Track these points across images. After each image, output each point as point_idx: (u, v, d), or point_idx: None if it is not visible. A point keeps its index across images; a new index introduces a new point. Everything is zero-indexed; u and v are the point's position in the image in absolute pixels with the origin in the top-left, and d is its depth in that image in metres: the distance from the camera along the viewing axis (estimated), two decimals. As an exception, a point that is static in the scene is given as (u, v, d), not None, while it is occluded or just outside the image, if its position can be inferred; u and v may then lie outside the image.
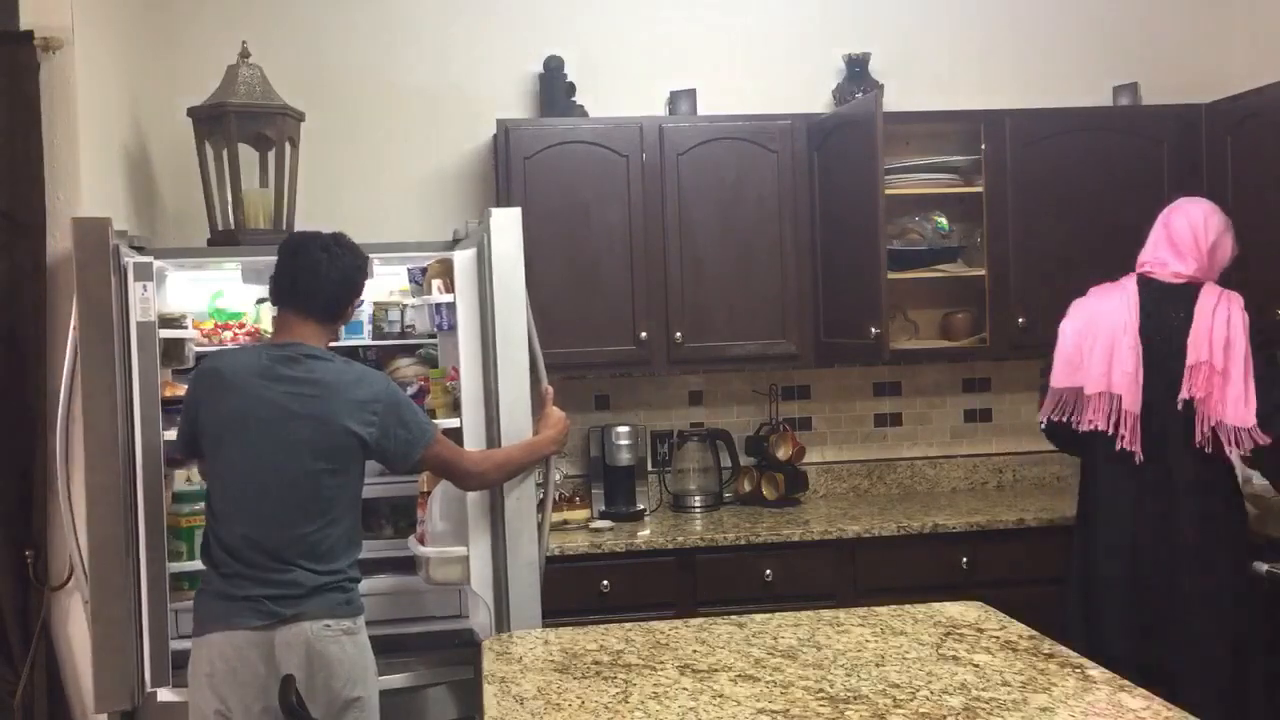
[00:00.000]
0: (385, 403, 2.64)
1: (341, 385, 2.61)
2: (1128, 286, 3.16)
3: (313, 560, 2.57)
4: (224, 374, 2.65)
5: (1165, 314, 3.08)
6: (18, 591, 2.91)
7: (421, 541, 3.05)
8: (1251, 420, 2.91)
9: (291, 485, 2.58)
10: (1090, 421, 3.08)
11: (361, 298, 2.80)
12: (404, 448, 2.67)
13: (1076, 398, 3.14)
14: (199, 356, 3.29)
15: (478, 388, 3.01)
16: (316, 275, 2.65)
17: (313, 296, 2.66)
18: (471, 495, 2.95)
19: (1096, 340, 3.11)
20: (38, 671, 2.91)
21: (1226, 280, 3.18)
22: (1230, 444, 2.96)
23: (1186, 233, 3.15)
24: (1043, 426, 3.30)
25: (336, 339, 2.82)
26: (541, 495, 3.12)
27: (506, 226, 3.03)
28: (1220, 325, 3.02)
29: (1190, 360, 3.00)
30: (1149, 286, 3.14)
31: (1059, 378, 3.18)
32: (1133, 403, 3.03)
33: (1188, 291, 3.11)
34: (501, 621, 2.98)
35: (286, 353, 2.63)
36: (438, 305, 3.11)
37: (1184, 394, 3.00)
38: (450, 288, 3.03)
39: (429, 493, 3.08)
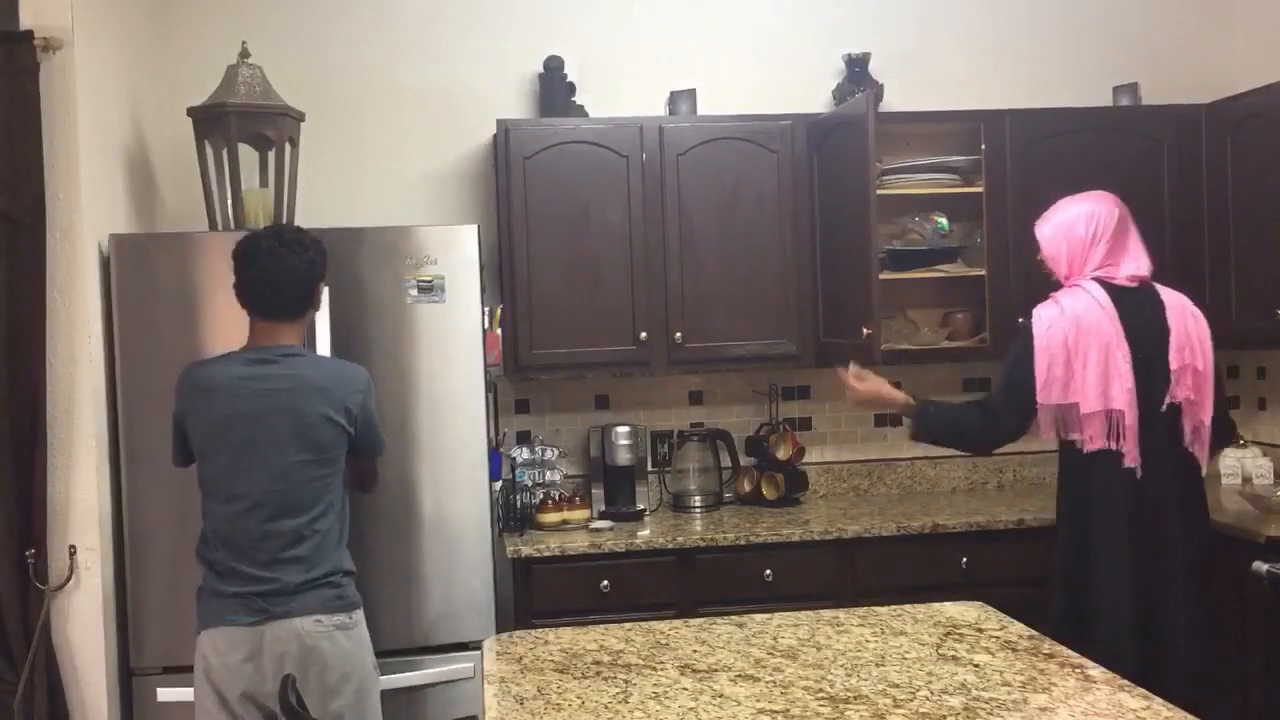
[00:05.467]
0: (366, 393, 2.75)
1: (318, 377, 2.69)
2: (1095, 293, 3.05)
3: (303, 555, 2.63)
4: (204, 380, 2.70)
5: (1134, 319, 3.03)
6: (18, 591, 2.90)
7: None
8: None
9: (279, 479, 2.63)
10: (1091, 440, 2.99)
11: (321, 284, 2.79)
12: (368, 449, 2.82)
13: (1069, 414, 3.01)
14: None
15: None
16: (268, 279, 2.68)
17: (270, 301, 2.70)
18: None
19: (1089, 354, 2.99)
20: (38, 671, 2.91)
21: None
22: (1208, 443, 3.03)
23: (1123, 232, 3.11)
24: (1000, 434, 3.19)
25: (308, 330, 2.86)
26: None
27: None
28: (1191, 325, 3.06)
29: (1175, 365, 3.01)
30: (1111, 291, 3.06)
31: (1050, 393, 3.02)
32: (1134, 418, 2.98)
33: (1147, 293, 3.09)
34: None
35: (261, 355, 2.69)
36: None
37: (1171, 398, 3.01)
38: None
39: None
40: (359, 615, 2.71)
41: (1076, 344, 3.00)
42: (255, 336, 2.73)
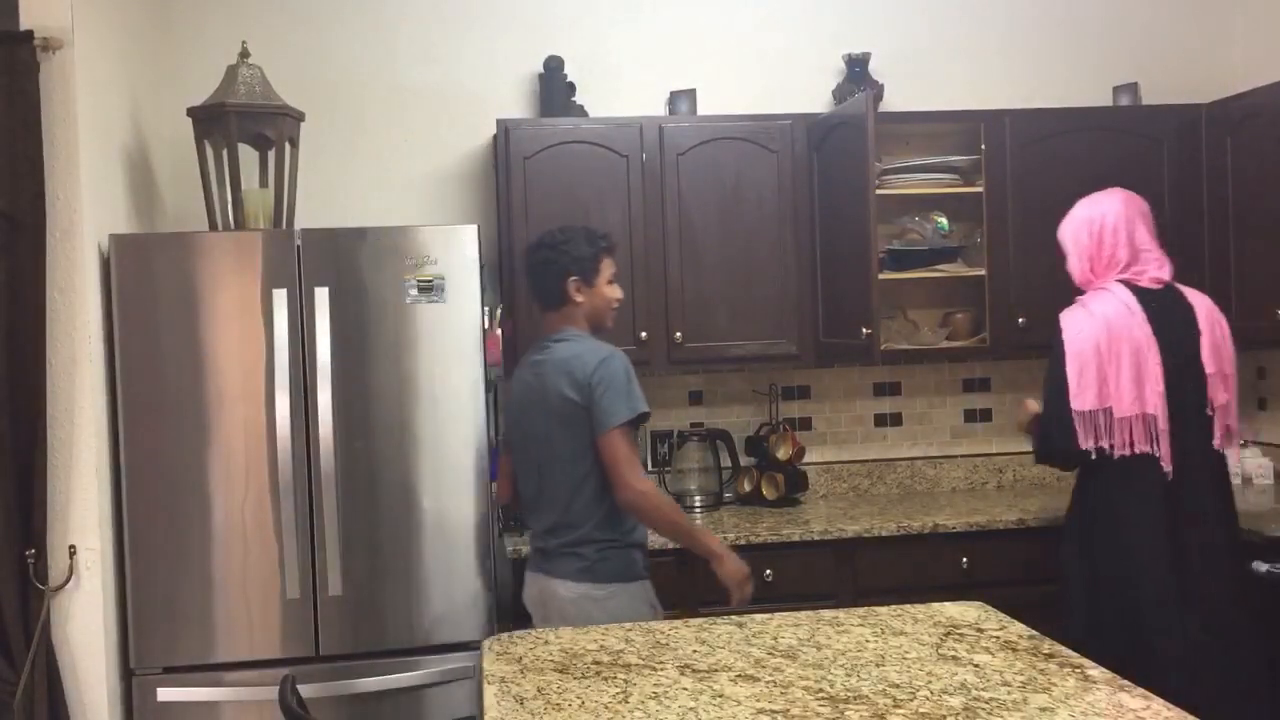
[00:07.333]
0: (597, 373, 2.89)
1: (563, 359, 2.94)
2: (1123, 296, 3.03)
3: (561, 524, 2.93)
4: (515, 374, 3.15)
5: (1164, 322, 3.00)
6: (18, 591, 2.90)
7: None
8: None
9: (542, 455, 2.97)
10: (1125, 445, 2.94)
11: (577, 277, 3.02)
12: (597, 422, 2.88)
13: (1103, 420, 2.97)
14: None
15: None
16: (527, 274, 3.12)
17: (534, 293, 3.09)
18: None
19: (1122, 357, 2.96)
20: (38, 671, 2.91)
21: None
22: (1235, 446, 3.06)
23: (1146, 234, 3.09)
24: (1039, 453, 3.20)
25: (585, 323, 3.05)
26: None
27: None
28: (1218, 328, 3.04)
29: (1211, 368, 2.98)
30: (1139, 294, 3.03)
31: (1085, 399, 2.97)
32: (1166, 421, 2.95)
33: (1173, 296, 3.06)
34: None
35: (541, 342, 3.06)
36: None
37: (1212, 401, 2.99)
38: None
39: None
40: (615, 588, 2.88)
41: (1109, 349, 2.96)
42: (542, 327, 3.10)
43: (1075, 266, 3.16)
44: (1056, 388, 3.03)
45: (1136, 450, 2.96)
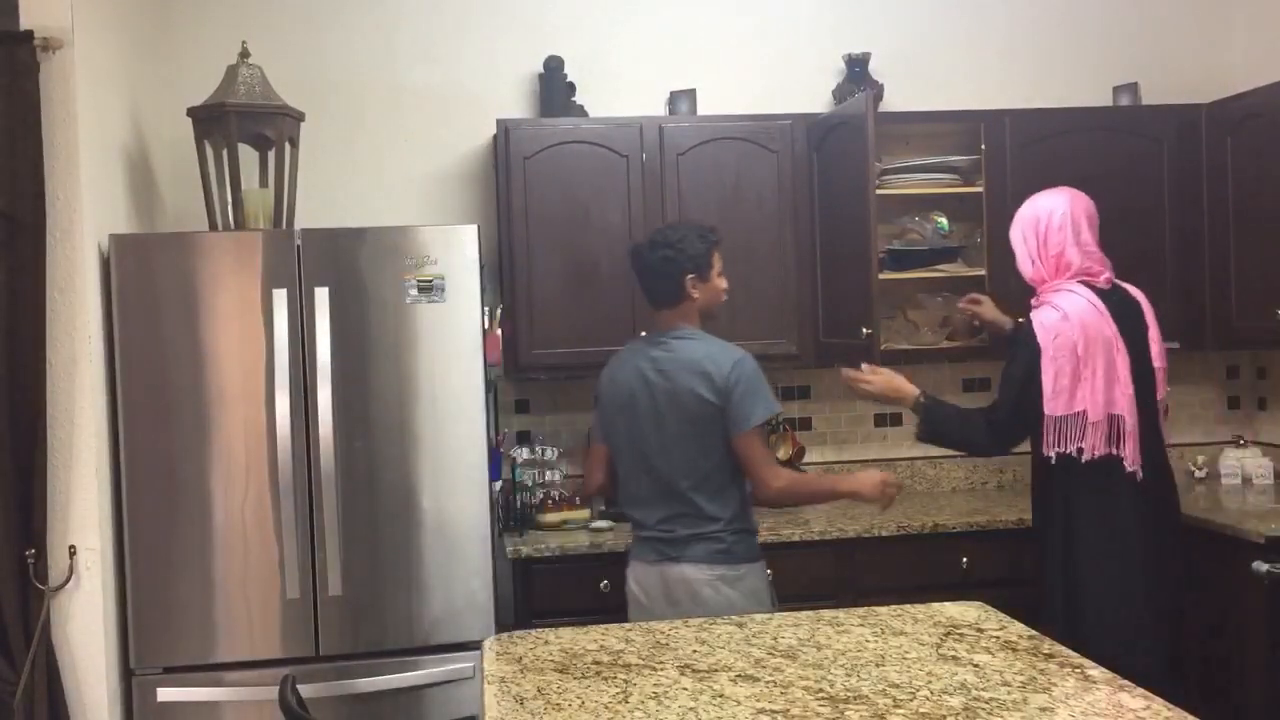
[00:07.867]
0: (733, 375, 2.95)
1: (694, 359, 2.98)
2: (1087, 294, 3.00)
3: (688, 513, 2.97)
4: (614, 366, 3.15)
5: (1121, 320, 3.00)
6: (18, 591, 2.90)
7: None
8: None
9: (664, 449, 2.99)
10: (1094, 448, 2.93)
11: (694, 274, 3.04)
12: (734, 423, 2.95)
13: (1074, 424, 2.95)
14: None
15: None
16: (642, 274, 3.10)
17: (649, 292, 3.10)
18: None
19: (1096, 359, 2.94)
20: (38, 671, 2.91)
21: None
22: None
23: (1090, 234, 3.07)
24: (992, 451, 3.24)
25: (699, 317, 3.09)
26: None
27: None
28: (1156, 324, 3.08)
29: (1159, 363, 3.05)
30: (1098, 294, 3.02)
31: (1059, 404, 2.94)
32: (1134, 422, 2.95)
33: (1121, 294, 3.07)
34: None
35: (656, 339, 3.09)
36: None
37: (1161, 396, 3.05)
38: None
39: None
40: (747, 569, 2.98)
41: (1086, 351, 2.94)
42: (654, 324, 3.12)
43: (1025, 266, 3.13)
44: (1027, 388, 3.00)
45: (1103, 452, 2.95)
